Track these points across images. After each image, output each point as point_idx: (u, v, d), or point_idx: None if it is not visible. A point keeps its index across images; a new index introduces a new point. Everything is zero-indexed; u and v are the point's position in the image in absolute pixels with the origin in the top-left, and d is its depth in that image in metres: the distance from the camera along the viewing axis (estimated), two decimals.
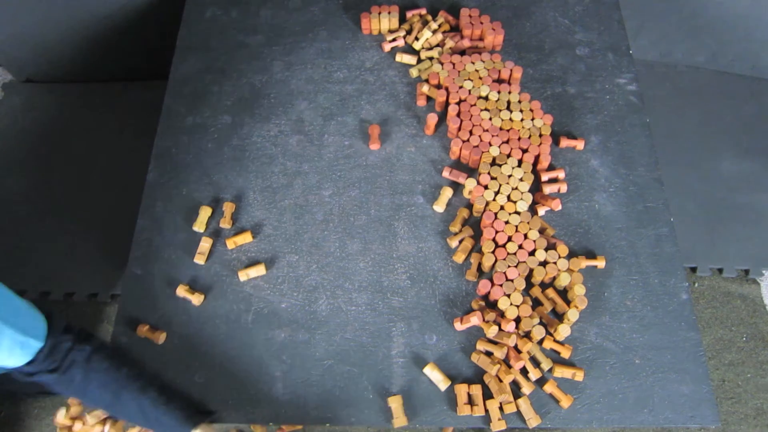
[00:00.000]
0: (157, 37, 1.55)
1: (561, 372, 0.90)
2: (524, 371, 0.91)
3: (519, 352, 0.90)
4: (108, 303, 1.49)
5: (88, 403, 0.89)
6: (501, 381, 0.88)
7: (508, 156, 1.05)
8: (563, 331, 0.91)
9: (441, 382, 0.90)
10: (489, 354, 0.91)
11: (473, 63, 1.13)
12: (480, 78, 1.11)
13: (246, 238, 1.01)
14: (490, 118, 1.07)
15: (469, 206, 1.03)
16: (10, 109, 1.74)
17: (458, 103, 1.11)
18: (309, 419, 0.90)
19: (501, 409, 0.88)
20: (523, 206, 1.00)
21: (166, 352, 0.95)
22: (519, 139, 1.06)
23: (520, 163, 1.04)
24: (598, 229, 1.02)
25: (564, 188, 1.04)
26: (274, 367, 0.93)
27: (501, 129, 1.07)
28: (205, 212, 1.03)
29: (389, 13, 1.21)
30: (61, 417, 0.92)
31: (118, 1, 1.52)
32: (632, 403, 0.89)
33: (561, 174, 1.05)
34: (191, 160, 1.11)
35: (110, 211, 1.56)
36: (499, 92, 1.10)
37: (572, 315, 0.92)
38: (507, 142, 1.06)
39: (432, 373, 0.91)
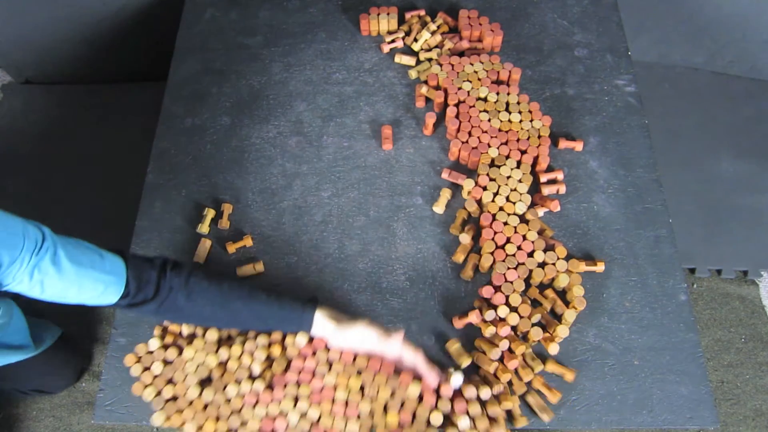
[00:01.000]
0: (156, 38, 1.55)
1: (552, 369, 0.90)
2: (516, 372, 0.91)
3: (512, 353, 0.90)
4: None
5: (200, 322, 0.91)
6: (498, 378, 0.88)
7: (507, 157, 1.05)
8: (561, 332, 0.91)
9: (462, 356, 0.90)
10: (483, 353, 0.91)
11: (472, 64, 1.14)
12: (479, 79, 1.12)
13: (246, 242, 1.01)
14: (489, 120, 1.07)
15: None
16: (9, 110, 1.74)
17: (457, 105, 1.11)
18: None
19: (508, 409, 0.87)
20: (521, 207, 1.00)
21: None
22: (518, 140, 1.06)
23: (519, 164, 1.05)
24: (596, 231, 1.02)
25: (563, 189, 1.04)
26: None
27: (500, 130, 1.07)
28: (210, 214, 1.03)
29: (388, 14, 1.21)
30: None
31: (117, 2, 1.52)
32: (631, 404, 0.89)
33: (560, 175, 1.05)
34: (190, 161, 1.11)
35: (109, 212, 1.56)
36: (498, 93, 1.10)
37: (570, 316, 0.92)
38: (506, 143, 1.06)
39: (453, 346, 0.91)
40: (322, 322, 0.86)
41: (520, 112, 1.09)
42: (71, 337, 1.45)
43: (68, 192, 1.61)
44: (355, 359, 0.88)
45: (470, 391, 0.86)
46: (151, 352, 0.92)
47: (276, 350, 0.89)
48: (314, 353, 0.89)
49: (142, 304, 0.81)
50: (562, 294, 0.97)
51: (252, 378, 0.88)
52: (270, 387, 0.87)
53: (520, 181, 1.02)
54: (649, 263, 0.99)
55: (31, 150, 1.68)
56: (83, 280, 0.77)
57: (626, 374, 0.91)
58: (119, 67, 1.72)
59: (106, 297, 0.79)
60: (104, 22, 1.56)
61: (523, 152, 1.07)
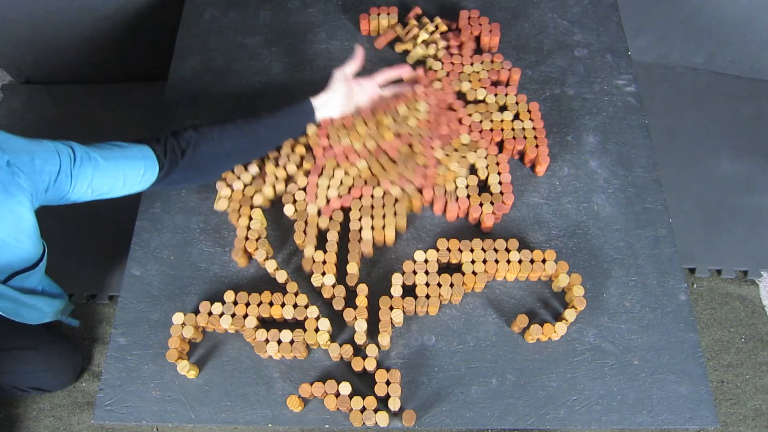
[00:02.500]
0: (156, 38, 1.55)
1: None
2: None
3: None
4: (107, 304, 1.49)
5: (229, 160, 1.00)
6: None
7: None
8: (560, 329, 0.91)
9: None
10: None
11: (472, 65, 1.13)
12: (479, 80, 1.11)
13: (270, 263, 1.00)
14: (481, 121, 1.07)
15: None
16: (9, 110, 1.74)
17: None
18: (308, 421, 0.90)
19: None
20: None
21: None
22: (514, 138, 1.06)
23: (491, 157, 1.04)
24: (596, 231, 1.02)
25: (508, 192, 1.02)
26: (273, 368, 0.93)
27: (492, 130, 1.06)
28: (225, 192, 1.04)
29: (388, 14, 1.21)
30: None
31: (117, 2, 1.52)
32: (631, 404, 0.89)
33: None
34: None
35: (109, 212, 1.56)
36: (495, 95, 1.10)
37: (570, 315, 0.92)
38: (502, 142, 1.06)
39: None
40: (320, 106, 1.01)
41: (518, 113, 1.09)
42: (71, 337, 1.45)
43: None
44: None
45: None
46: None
47: (300, 150, 1.03)
48: (327, 135, 1.02)
49: (177, 168, 0.92)
50: (561, 294, 0.97)
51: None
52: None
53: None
54: (649, 263, 0.99)
55: None
56: (123, 170, 0.88)
57: (626, 374, 0.91)
58: (119, 67, 1.72)
59: (149, 176, 0.90)
60: (104, 22, 1.56)
61: (522, 153, 1.07)
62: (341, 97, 1.02)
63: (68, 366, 1.36)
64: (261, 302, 0.94)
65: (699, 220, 1.52)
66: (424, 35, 1.17)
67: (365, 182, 1.01)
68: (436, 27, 1.19)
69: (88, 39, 1.62)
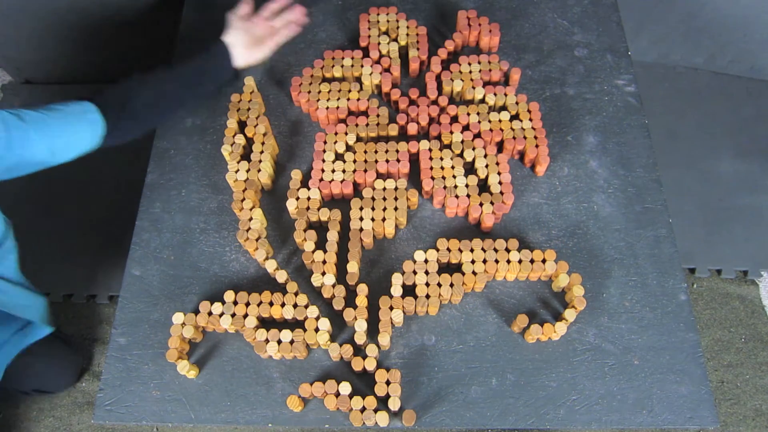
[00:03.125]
0: (157, 38, 1.55)
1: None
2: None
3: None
4: (107, 304, 1.49)
5: (167, 109, 1.02)
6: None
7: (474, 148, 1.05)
8: (560, 329, 0.91)
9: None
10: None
11: (470, 64, 1.14)
12: (471, 80, 1.12)
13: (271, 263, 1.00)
14: (479, 122, 1.07)
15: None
16: None
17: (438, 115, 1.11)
18: (308, 421, 0.90)
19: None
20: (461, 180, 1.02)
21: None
22: (514, 138, 1.06)
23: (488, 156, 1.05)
24: (596, 231, 1.02)
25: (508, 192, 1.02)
26: (273, 368, 0.93)
27: (491, 130, 1.06)
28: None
29: (387, 14, 1.21)
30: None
31: (117, 2, 1.52)
32: (631, 404, 0.89)
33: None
34: (190, 161, 1.11)
35: (109, 212, 1.56)
36: (495, 95, 1.10)
37: (570, 315, 0.92)
38: (501, 142, 1.06)
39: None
40: (230, 45, 1.03)
41: (518, 113, 1.09)
42: (71, 337, 1.45)
43: (68, 191, 1.61)
44: None
45: None
46: None
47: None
48: None
49: (121, 119, 0.93)
50: (561, 293, 0.97)
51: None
52: None
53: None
54: (649, 263, 0.99)
55: None
56: (72, 126, 0.89)
57: (626, 374, 0.91)
58: (120, 66, 1.72)
59: (94, 127, 0.91)
60: (104, 22, 1.56)
61: (522, 153, 1.07)
62: (242, 32, 1.05)
63: (70, 367, 1.36)
64: (261, 302, 0.94)
65: (699, 220, 1.52)
66: (394, 45, 1.16)
67: (365, 170, 1.03)
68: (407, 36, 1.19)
69: (88, 39, 1.62)
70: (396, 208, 1.00)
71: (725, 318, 1.45)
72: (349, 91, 1.11)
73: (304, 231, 0.98)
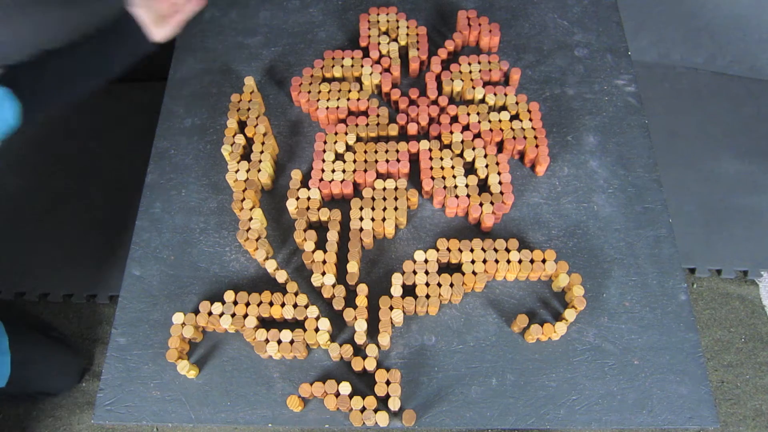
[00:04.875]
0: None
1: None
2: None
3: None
4: (107, 304, 1.50)
5: (82, 80, 0.97)
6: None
7: (474, 148, 1.05)
8: (560, 329, 0.91)
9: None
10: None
11: (470, 64, 1.14)
12: (471, 80, 1.12)
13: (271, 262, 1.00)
14: (479, 122, 1.07)
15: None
16: None
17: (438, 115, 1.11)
18: (308, 421, 0.90)
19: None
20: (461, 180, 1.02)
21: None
22: (514, 138, 1.06)
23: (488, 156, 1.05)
24: (596, 231, 1.02)
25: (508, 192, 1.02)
26: (273, 368, 0.93)
27: (491, 130, 1.06)
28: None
29: (387, 14, 1.21)
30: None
31: (117, 2, 1.51)
32: (631, 404, 0.89)
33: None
34: (190, 161, 1.11)
35: (109, 212, 1.56)
36: (495, 95, 1.10)
37: (570, 315, 0.92)
38: (501, 142, 1.06)
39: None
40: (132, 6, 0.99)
41: (518, 113, 1.09)
42: (71, 338, 1.45)
43: (68, 192, 1.61)
44: None
45: None
46: None
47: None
48: None
49: (34, 95, 0.89)
50: (560, 292, 0.97)
51: None
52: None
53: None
54: (649, 263, 0.99)
55: (31, 149, 1.68)
56: None
57: (626, 374, 0.91)
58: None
59: (6, 109, 0.86)
60: (104, 21, 1.56)
61: (522, 153, 1.07)
62: (144, 10, 1.00)
63: (71, 369, 1.37)
64: (261, 302, 0.94)
65: (699, 220, 1.52)
66: (394, 45, 1.16)
67: (365, 170, 1.03)
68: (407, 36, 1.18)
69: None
70: (396, 208, 1.00)
71: (725, 318, 1.45)
72: (349, 91, 1.11)
73: (304, 231, 0.98)
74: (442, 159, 1.04)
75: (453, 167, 1.03)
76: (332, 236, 0.98)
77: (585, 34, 1.23)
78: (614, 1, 1.27)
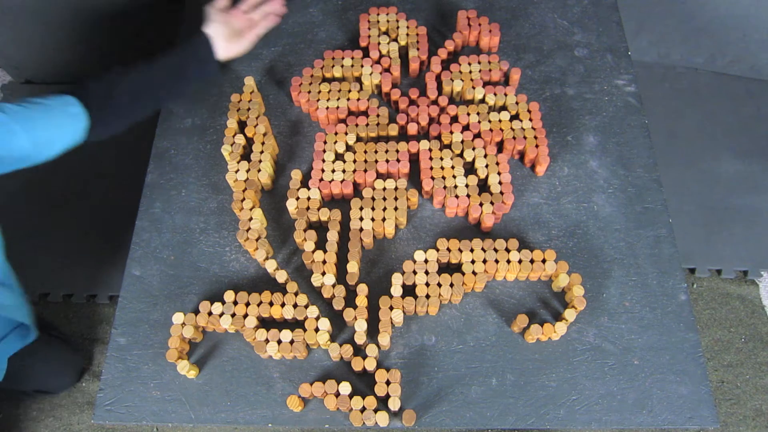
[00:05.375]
0: (156, 38, 1.55)
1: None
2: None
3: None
4: (107, 304, 1.49)
5: (150, 100, 1.00)
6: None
7: (474, 148, 1.05)
8: (560, 329, 0.91)
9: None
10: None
11: (470, 64, 1.14)
12: (471, 80, 1.12)
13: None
14: (479, 122, 1.07)
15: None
16: None
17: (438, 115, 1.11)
18: (308, 421, 0.90)
19: None
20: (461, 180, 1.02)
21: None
22: (514, 138, 1.06)
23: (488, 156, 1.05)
24: (596, 231, 1.02)
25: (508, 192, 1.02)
26: (273, 368, 0.93)
27: (491, 130, 1.06)
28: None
29: (387, 14, 1.21)
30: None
31: (117, 2, 1.52)
32: (631, 404, 0.89)
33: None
34: (190, 161, 1.11)
35: (109, 212, 1.56)
36: (495, 95, 1.10)
37: (570, 315, 0.92)
38: (501, 142, 1.06)
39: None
40: (211, 36, 1.01)
41: (518, 113, 1.09)
42: (71, 337, 1.45)
43: (68, 192, 1.61)
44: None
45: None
46: None
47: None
48: None
49: (105, 109, 0.92)
50: (561, 292, 0.97)
51: None
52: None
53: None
54: (649, 263, 0.99)
55: None
56: (55, 119, 0.88)
57: (626, 374, 0.91)
58: (119, 67, 1.72)
59: (78, 121, 0.90)
60: (104, 22, 1.56)
61: (522, 153, 1.07)
62: (221, 25, 1.03)
63: (70, 367, 1.36)
64: (261, 302, 0.94)
65: (699, 220, 1.52)
66: (394, 45, 1.16)
67: (365, 170, 1.03)
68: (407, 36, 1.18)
69: (88, 39, 1.62)
70: (396, 208, 1.00)
71: (725, 318, 1.45)
72: (349, 91, 1.11)
73: (304, 231, 0.98)
74: (442, 159, 1.04)
75: (453, 167, 1.03)
76: (332, 236, 0.98)
77: (585, 34, 1.23)
78: (614, 1, 1.27)
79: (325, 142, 1.06)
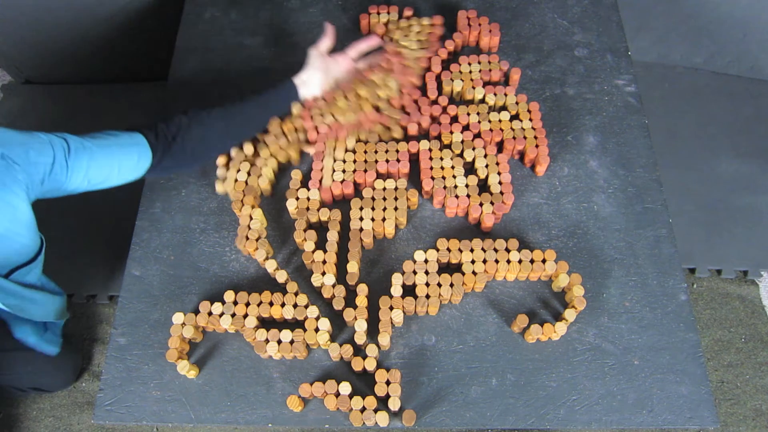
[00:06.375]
0: (157, 38, 1.55)
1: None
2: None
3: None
4: (107, 304, 1.49)
5: (222, 141, 1.01)
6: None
7: (474, 148, 1.05)
8: (560, 329, 0.91)
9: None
10: None
11: (470, 64, 1.14)
12: (471, 80, 1.11)
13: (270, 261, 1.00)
14: (479, 122, 1.07)
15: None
16: (9, 110, 1.74)
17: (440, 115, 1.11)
18: (308, 421, 0.90)
19: None
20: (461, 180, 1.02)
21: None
22: (514, 138, 1.06)
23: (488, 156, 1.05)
24: (596, 231, 1.02)
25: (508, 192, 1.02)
26: (273, 368, 0.93)
27: (491, 131, 1.06)
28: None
29: (388, 13, 1.21)
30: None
31: (117, 2, 1.52)
32: (631, 404, 0.89)
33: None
34: None
35: (109, 212, 1.55)
36: (495, 95, 1.10)
37: (570, 315, 0.92)
38: (501, 142, 1.07)
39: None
40: (301, 84, 1.03)
41: (518, 113, 1.09)
42: (71, 337, 1.45)
43: None
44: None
45: None
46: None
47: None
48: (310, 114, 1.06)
49: (170, 153, 0.92)
50: (562, 293, 0.97)
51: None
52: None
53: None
54: (649, 263, 0.99)
55: None
56: (118, 158, 0.89)
57: (626, 374, 0.91)
58: (120, 66, 1.72)
59: (143, 163, 0.91)
60: (105, 21, 1.56)
61: (522, 153, 1.07)
62: (319, 72, 1.04)
63: (68, 366, 1.36)
64: (261, 302, 0.94)
65: (699, 220, 1.51)
66: (412, 37, 1.15)
67: (365, 170, 1.03)
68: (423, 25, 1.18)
69: (88, 39, 1.61)
70: (396, 208, 1.00)
71: (725, 318, 1.45)
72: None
73: (304, 231, 0.98)
74: (442, 159, 1.04)
75: (453, 167, 1.03)
76: (332, 236, 0.98)
77: (585, 34, 1.23)
78: (614, 1, 1.27)
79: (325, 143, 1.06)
